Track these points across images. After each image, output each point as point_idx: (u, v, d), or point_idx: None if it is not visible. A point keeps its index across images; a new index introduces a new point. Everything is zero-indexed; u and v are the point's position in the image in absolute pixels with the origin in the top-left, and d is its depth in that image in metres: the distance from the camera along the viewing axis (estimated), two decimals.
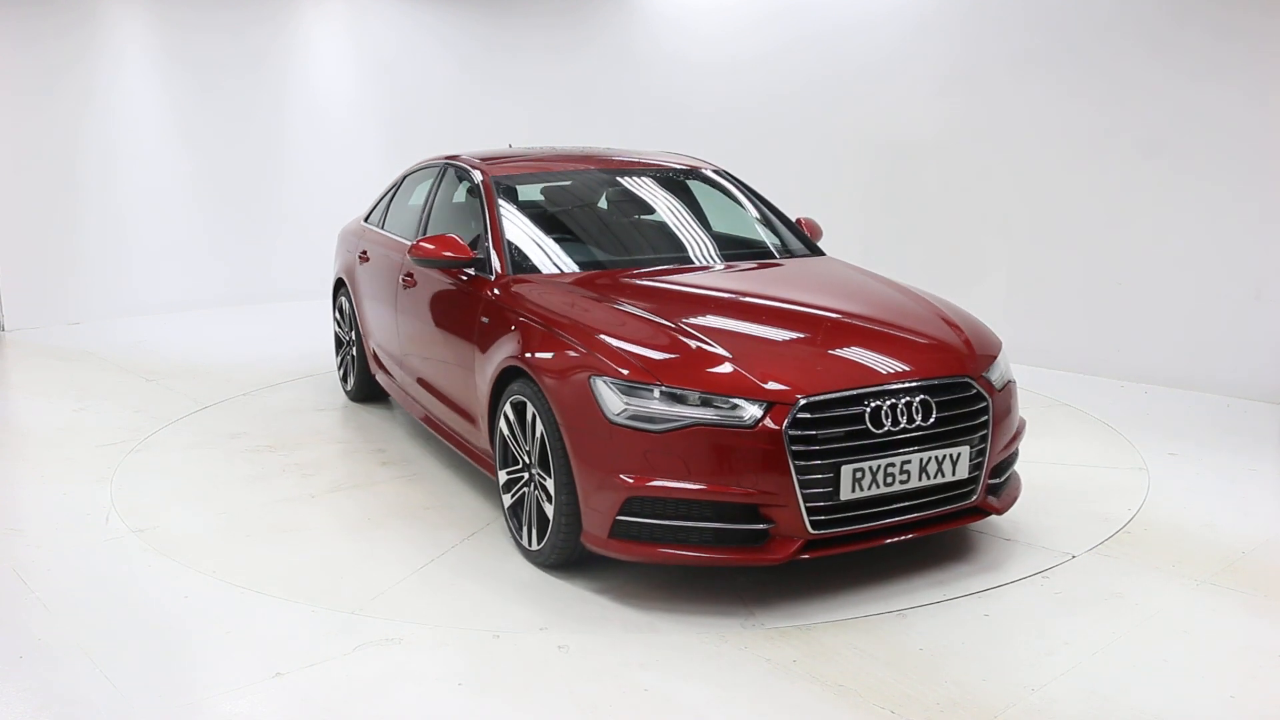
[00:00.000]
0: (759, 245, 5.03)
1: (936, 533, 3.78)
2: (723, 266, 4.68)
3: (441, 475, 5.01)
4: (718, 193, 5.32)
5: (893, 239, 7.94)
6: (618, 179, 5.21)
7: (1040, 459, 5.07)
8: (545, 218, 4.94)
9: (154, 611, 3.62)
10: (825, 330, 4.00)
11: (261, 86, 9.68)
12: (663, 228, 5.02)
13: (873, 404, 3.48)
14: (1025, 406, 5.98)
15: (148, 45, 9.04)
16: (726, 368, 3.54)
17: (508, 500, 4.08)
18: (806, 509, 3.40)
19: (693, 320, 3.89)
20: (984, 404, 3.71)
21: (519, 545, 4.02)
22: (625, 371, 3.54)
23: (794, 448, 3.37)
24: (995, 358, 3.96)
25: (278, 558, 4.07)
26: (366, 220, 6.31)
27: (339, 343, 6.53)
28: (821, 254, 5.07)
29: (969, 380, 3.71)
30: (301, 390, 6.64)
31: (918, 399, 3.55)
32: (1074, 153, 6.85)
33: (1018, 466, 4.20)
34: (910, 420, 3.52)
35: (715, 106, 8.96)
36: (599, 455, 3.52)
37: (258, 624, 3.50)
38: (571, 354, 3.73)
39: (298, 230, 9.96)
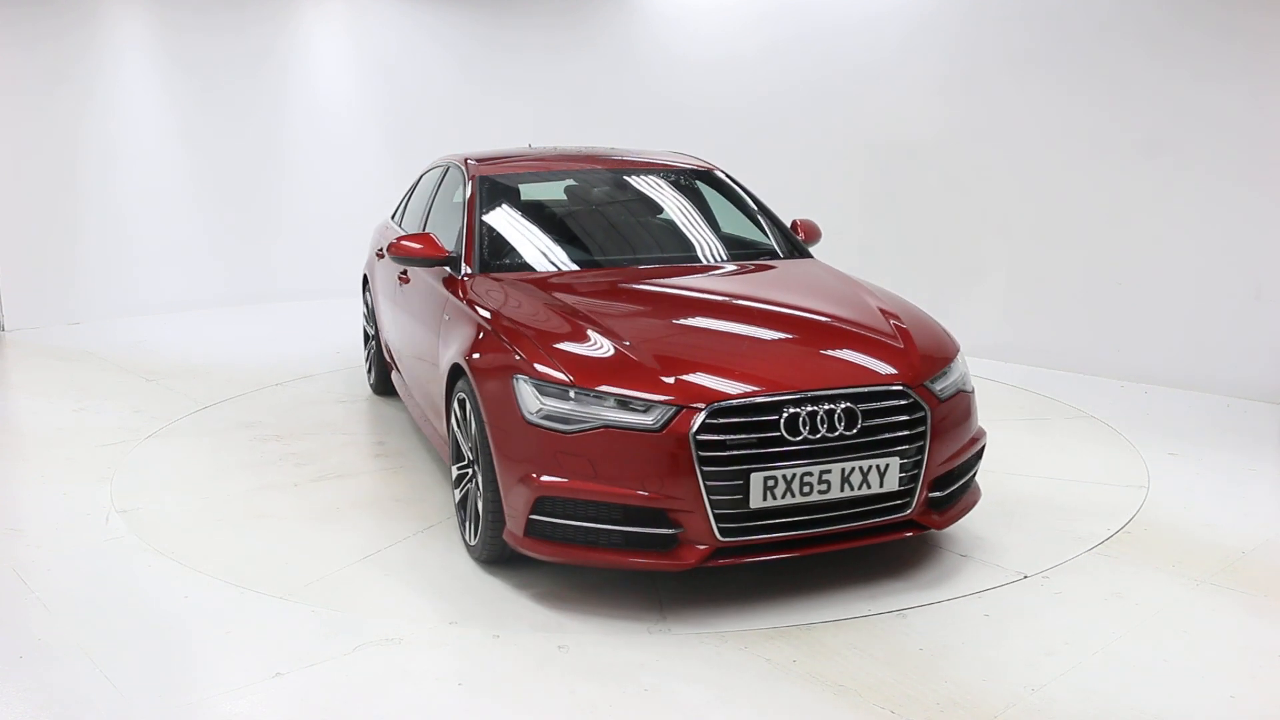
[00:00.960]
0: (739, 247, 4.94)
1: (865, 545, 3.63)
2: (691, 269, 4.60)
3: (428, 468, 5.03)
4: (713, 192, 5.27)
5: (892, 239, 7.94)
6: (611, 180, 5.18)
7: (1038, 460, 5.07)
8: (529, 217, 4.91)
9: (154, 611, 3.62)
10: (761, 334, 3.90)
11: (261, 86, 9.67)
12: (646, 228, 4.98)
13: (790, 411, 3.40)
14: (1024, 406, 6.03)
15: (148, 45, 9.04)
16: (643, 370, 3.49)
17: (457, 495, 4.10)
18: (715, 515, 3.35)
19: (626, 322, 3.87)
20: (921, 414, 3.56)
21: (464, 540, 4.05)
22: (543, 370, 3.53)
23: (702, 453, 3.32)
24: (947, 364, 3.82)
25: (235, 542, 4.17)
26: (392, 217, 6.43)
27: (366, 336, 6.69)
28: (808, 255, 4.97)
29: (904, 389, 3.57)
30: (331, 382, 6.75)
31: (840, 407, 3.44)
32: (1074, 152, 6.85)
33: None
34: (831, 429, 3.43)
35: (715, 106, 8.96)
36: (516, 454, 3.53)
37: (258, 624, 3.50)
38: (500, 353, 3.74)
39: (298, 230, 9.96)
